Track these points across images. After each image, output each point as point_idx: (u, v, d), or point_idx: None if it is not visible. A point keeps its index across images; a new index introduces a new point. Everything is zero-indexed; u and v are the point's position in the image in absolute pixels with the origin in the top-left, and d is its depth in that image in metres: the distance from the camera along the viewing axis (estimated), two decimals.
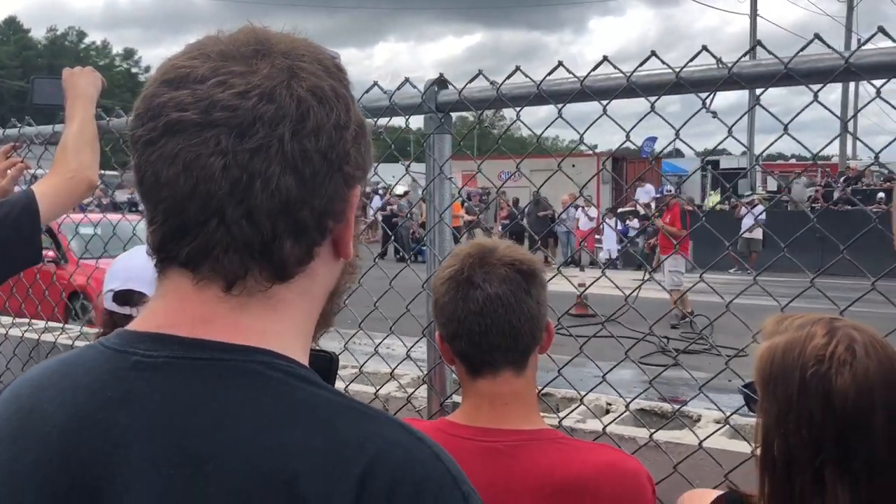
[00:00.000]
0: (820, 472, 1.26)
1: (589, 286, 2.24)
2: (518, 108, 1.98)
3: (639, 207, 20.35)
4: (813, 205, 20.47)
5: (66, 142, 2.37)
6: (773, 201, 18.57)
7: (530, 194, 18.94)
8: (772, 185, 25.01)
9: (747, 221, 16.27)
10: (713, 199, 24.11)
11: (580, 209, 19.22)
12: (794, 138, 1.65)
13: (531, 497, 1.40)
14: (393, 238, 16.12)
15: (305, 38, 0.83)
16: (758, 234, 16.76)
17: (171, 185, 0.74)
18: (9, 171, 2.70)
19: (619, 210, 19.87)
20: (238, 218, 0.74)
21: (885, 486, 1.24)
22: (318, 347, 1.42)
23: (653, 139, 26.52)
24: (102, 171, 2.60)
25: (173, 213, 0.76)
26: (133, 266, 1.84)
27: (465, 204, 20.05)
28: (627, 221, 19.41)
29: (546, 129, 2.17)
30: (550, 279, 2.02)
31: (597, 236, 19.08)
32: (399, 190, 21.52)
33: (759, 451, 1.34)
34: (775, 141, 1.67)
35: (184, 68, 0.76)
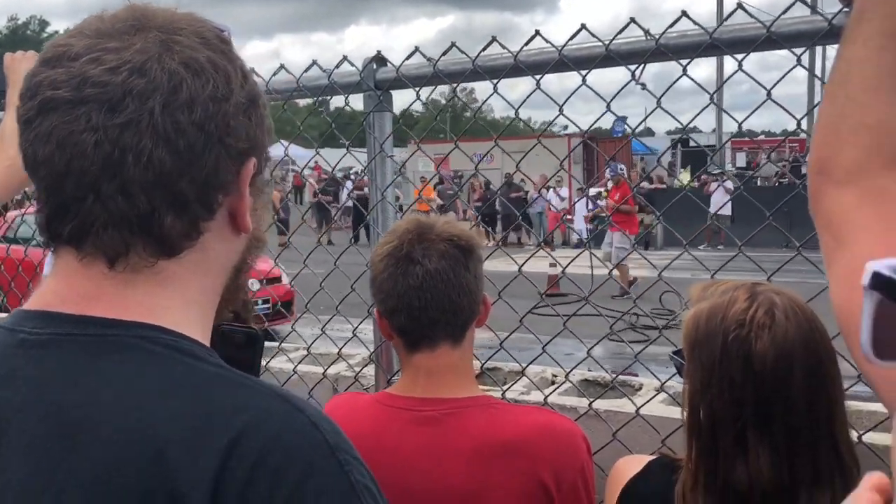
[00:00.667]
0: (742, 434, 1.29)
1: (568, 264, 2.23)
2: (495, 81, 1.96)
3: (610, 185, 20.45)
4: (781, 180, 20.72)
5: (5, 129, 2.33)
6: (745, 180, 18.75)
7: (502, 176, 18.96)
8: (741, 161, 25.23)
9: (716, 198, 16.42)
10: (683, 176, 24.30)
11: (552, 190, 19.27)
12: (777, 103, 1.66)
13: (466, 461, 1.42)
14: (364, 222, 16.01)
15: (189, 13, 0.83)
16: (726, 210, 16.93)
17: (48, 163, 0.75)
18: None
19: (591, 189, 19.94)
20: (113, 193, 0.74)
21: (804, 445, 1.27)
22: (237, 325, 1.43)
23: (623, 119, 26.64)
24: None
25: (53, 192, 0.77)
26: None
27: (437, 188, 20.09)
28: (599, 202, 19.50)
29: (520, 107, 2.16)
30: (526, 261, 2.05)
31: (568, 216, 19.14)
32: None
33: (686, 416, 1.37)
34: (759, 106, 1.68)
35: (61, 47, 0.77)
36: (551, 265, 11.36)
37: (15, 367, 0.76)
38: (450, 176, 21.79)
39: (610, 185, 13.08)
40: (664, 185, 20.31)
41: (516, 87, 1.93)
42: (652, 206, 17.44)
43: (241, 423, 0.71)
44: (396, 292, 1.46)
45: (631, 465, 1.50)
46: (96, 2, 0.87)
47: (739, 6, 1.64)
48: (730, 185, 15.55)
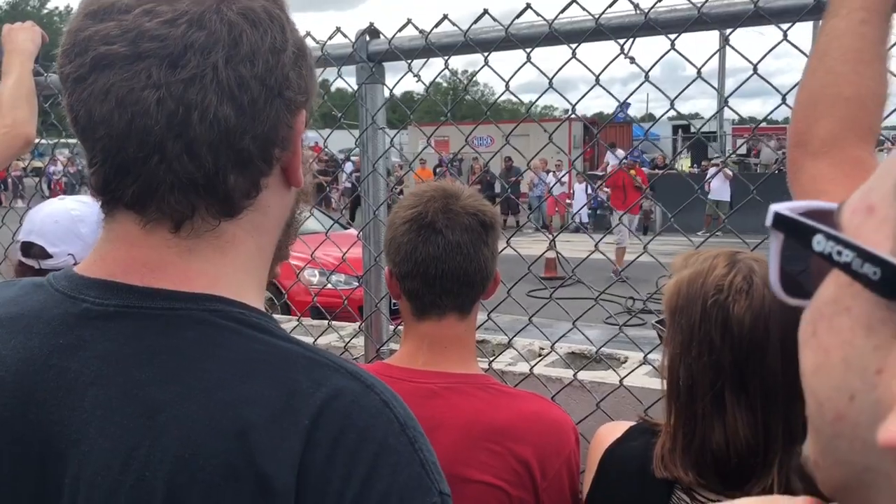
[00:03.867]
0: (720, 396, 1.32)
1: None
2: (486, 54, 1.96)
3: (611, 169, 20.45)
4: (780, 167, 20.67)
5: (2, 97, 2.34)
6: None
7: (501, 160, 18.93)
8: (742, 148, 25.17)
9: (715, 184, 16.43)
10: (684, 162, 24.26)
11: (551, 174, 19.27)
12: (762, 78, 1.67)
13: (456, 437, 1.44)
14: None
15: None
16: (725, 196, 16.94)
17: (106, 122, 0.72)
18: None
19: (590, 174, 19.95)
20: (178, 153, 0.72)
21: (779, 406, 1.30)
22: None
23: (626, 104, 26.53)
24: (40, 139, 2.57)
25: (112, 152, 0.73)
26: (35, 219, 1.86)
27: (436, 170, 20.06)
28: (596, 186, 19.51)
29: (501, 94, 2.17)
30: (509, 239, 2.06)
31: (568, 201, 19.14)
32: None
33: (666, 381, 1.40)
34: (745, 81, 1.69)
35: None
36: (549, 249, 11.40)
37: (83, 337, 0.74)
38: (447, 158, 21.75)
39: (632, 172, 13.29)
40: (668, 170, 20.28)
41: (520, 73, 1.92)
42: (652, 190, 17.54)
43: (318, 403, 0.71)
44: (415, 258, 1.47)
45: (612, 431, 1.53)
46: None
47: None
48: (729, 172, 15.55)
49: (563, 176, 19.06)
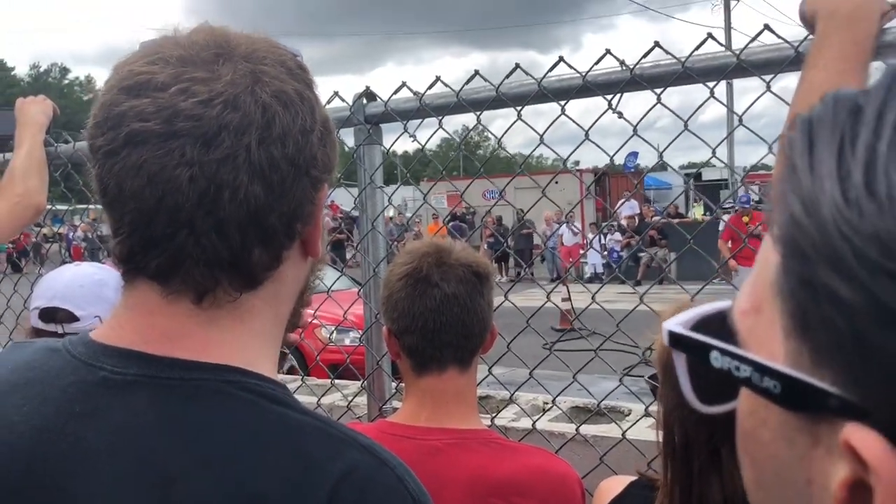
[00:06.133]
0: (716, 453, 1.30)
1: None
2: (478, 113, 2.00)
3: (622, 222, 20.47)
4: None
5: (14, 168, 2.41)
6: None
7: (514, 212, 19.01)
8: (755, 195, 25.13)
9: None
10: (697, 210, 24.26)
11: (564, 225, 19.31)
12: (694, 134, 1.71)
13: (464, 492, 1.43)
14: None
15: (266, 37, 0.81)
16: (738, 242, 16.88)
17: (137, 196, 0.72)
18: None
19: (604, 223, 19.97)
20: (207, 229, 0.73)
21: None
22: None
23: (635, 154, 26.69)
24: (51, 205, 2.63)
25: (140, 225, 0.74)
26: (57, 284, 1.87)
27: (449, 224, 20.14)
28: (609, 236, 19.52)
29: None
30: (507, 293, 2.07)
31: (581, 250, 19.14)
32: (389, 212, 21.51)
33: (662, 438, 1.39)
34: (732, 131, 1.72)
35: (143, 74, 0.74)
36: (564, 300, 11.35)
37: (98, 406, 0.74)
38: (460, 214, 21.86)
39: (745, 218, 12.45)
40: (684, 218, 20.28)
41: (535, 124, 1.95)
42: (666, 239, 17.49)
43: (334, 478, 0.71)
44: (412, 312, 1.48)
45: (612, 486, 1.51)
46: (127, 50, 0.80)
47: (710, 35, 1.69)
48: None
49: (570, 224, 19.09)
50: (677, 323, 0.46)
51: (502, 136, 1.97)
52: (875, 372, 0.35)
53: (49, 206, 2.61)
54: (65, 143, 2.71)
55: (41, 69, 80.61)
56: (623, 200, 19.96)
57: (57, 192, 2.90)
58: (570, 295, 10.98)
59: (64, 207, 3.49)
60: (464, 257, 1.51)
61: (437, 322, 1.47)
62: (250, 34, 0.81)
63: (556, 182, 2.11)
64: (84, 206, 3.34)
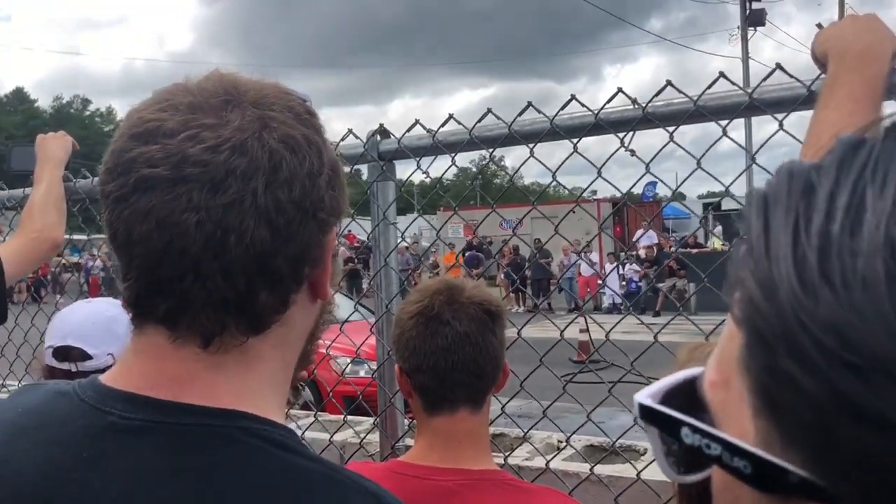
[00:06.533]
0: None
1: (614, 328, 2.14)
2: (491, 150, 1.99)
3: (640, 252, 20.39)
4: None
5: (33, 203, 2.45)
6: None
7: (531, 241, 19.01)
8: None
9: None
10: (716, 241, 24.13)
11: (581, 255, 19.26)
12: (707, 173, 1.71)
13: None
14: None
15: (275, 83, 0.82)
16: None
17: (145, 241, 0.74)
18: None
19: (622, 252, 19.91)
20: (213, 273, 0.73)
21: None
22: None
23: (653, 184, 26.68)
24: (69, 234, 2.67)
25: (148, 270, 0.75)
26: (70, 322, 1.88)
27: (465, 254, 20.19)
28: (627, 265, 19.45)
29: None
30: (521, 330, 2.06)
31: (599, 281, 19.06)
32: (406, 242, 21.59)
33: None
34: (690, 174, 1.71)
35: (153, 122, 0.75)
36: (581, 331, 11.28)
37: (106, 451, 0.74)
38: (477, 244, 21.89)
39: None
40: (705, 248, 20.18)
41: (553, 154, 1.96)
42: (685, 269, 17.39)
43: None
44: (423, 351, 1.46)
45: None
46: (148, 81, 0.92)
47: (721, 75, 1.69)
48: None
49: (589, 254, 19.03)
50: (648, 395, 0.45)
51: (514, 172, 1.97)
52: (842, 459, 0.35)
53: (67, 236, 2.64)
54: (83, 179, 2.75)
55: (63, 101, 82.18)
56: (641, 233, 19.89)
57: (75, 223, 2.93)
58: (587, 326, 10.91)
59: (82, 237, 3.53)
60: (476, 295, 1.50)
61: (449, 361, 1.45)
62: (260, 80, 0.82)
63: (574, 212, 2.11)
64: (102, 236, 3.38)
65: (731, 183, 1.76)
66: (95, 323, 1.84)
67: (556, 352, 1.93)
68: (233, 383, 0.78)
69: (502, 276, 18.40)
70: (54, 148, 2.60)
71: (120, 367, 0.81)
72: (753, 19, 29.91)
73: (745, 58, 29.68)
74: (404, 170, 2.20)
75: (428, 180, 2.32)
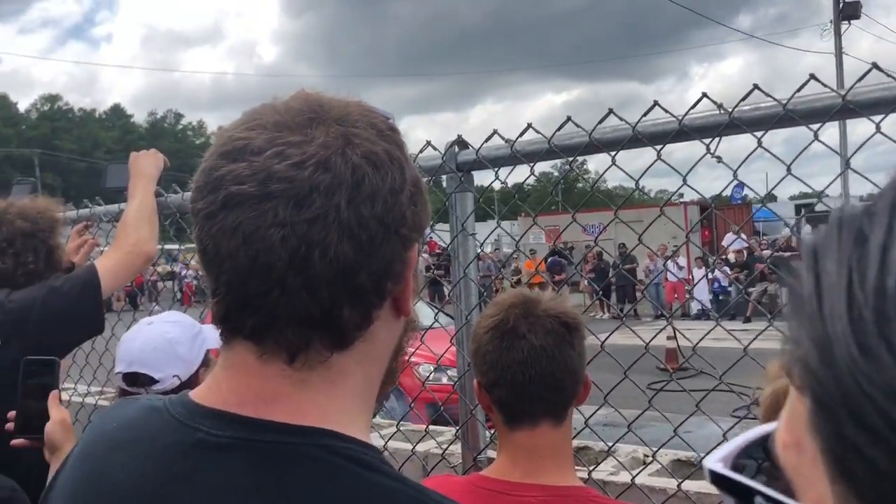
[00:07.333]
0: None
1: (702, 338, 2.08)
2: (570, 159, 1.96)
3: (730, 256, 19.79)
4: None
5: (127, 218, 2.56)
6: None
7: (615, 247, 18.72)
8: None
9: None
10: None
11: (668, 260, 18.81)
12: (798, 178, 1.63)
13: None
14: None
15: (359, 101, 0.84)
16: None
17: (233, 257, 0.75)
18: (82, 249, 2.93)
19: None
20: (298, 288, 0.74)
21: None
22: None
23: (742, 185, 25.83)
24: (161, 245, 2.77)
25: (235, 285, 0.76)
26: (133, 348, 1.95)
27: (548, 260, 20.02)
28: (717, 270, 18.88)
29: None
30: (654, 337, 2.01)
31: (687, 287, 18.58)
32: (487, 248, 21.62)
33: None
34: (780, 181, 1.64)
35: (241, 140, 0.77)
36: (669, 338, 11.00)
37: (195, 467, 0.76)
38: (560, 249, 21.69)
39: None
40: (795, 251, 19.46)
41: (640, 157, 1.92)
42: (777, 273, 16.76)
43: None
44: (500, 365, 1.46)
45: None
46: (237, 95, 0.91)
47: (812, 77, 1.61)
48: None
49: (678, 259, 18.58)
50: (719, 459, 0.43)
51: (598, 179, 1.93)
52: None
53: (160, 246, 2.73)
54: (174, 194, 2.85)
55: (157, 116, 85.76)
56: (733, 239, 19.26)
57: (166, 236, 3.04)
58: (675, 333, 10.65)
59: (175, 247, 3.68)
60: (552, 308, 1.48)
61: (526, 375, 1.44)
62: (344, 98, 0.83)
63: (660, 216, 2.05)
64: (193, 245, 3.50)
65: (824, 190, 1.68)
66: (157, 348, 1.91)
67: (642, 359, 1.88)
68: (318, 400, 0.79)
69: (586, 282, 18.16)
70: (146, 165, 2.71)
71: (210, 382, 0.83)
72: (847, 12, 28.64)
73: (839, 53, 28.46)
74: (483, 177, 2.19)
75: (509, 184, 2.30)
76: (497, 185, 2.37)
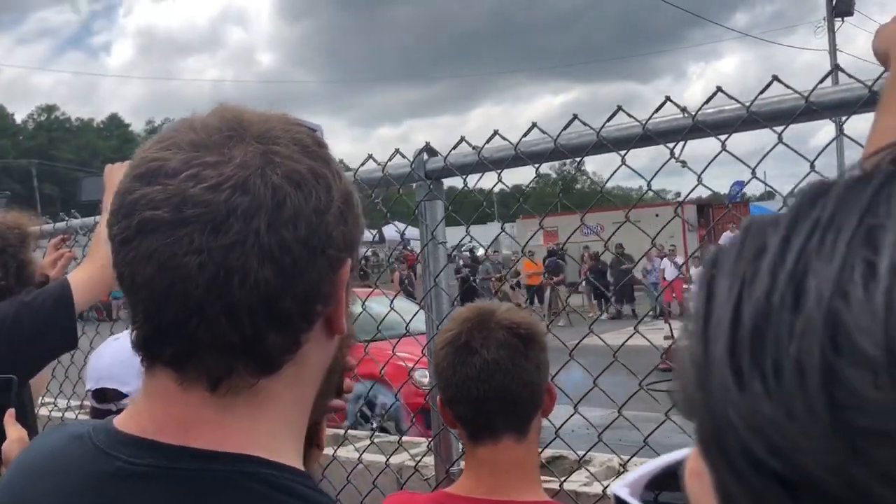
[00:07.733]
0: None
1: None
2: (537, 165, 1.94)
3: None
4: None
5: (100, 232, 2.53)
6: None
7: (612, 247, 18.67)
8: None
9: None
10: None
11: (665, 259, 18.80)
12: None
13: None
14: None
15: (282, 115, 0.80)
16: None
17: (148, 285, 0.72)
18: (59, 262, 2.90)
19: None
20: (216, 315, 0.71)
21: None
22: None
23: (741, 183, 25.83)
24: None
25: (153, 313, 0.73)
26: (100, 366, 1.92)
27: (546, 261, 19.99)
28: None
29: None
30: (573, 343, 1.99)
31: (685, 285, 18.55)
32: (480, 250, 21.65)
33: None
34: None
35: (155, 161, 0.73)
36: (666, 337, 10.97)
37: (114, 498, 0.74)
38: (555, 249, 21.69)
39: None
40: None
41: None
42: None
43: None
44: (455, 382, 1.44)
45: None
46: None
47: (775, 78, 1.59)
48: None
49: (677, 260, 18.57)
50: (625, 485, 0.40)
51: (605, 182, 1.89)
52: None
53: None
54: None
55: (155, 124, 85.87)
56: (730, 236, 19.26)
57: None
58: (672, 332, 10.62)
59: None
60: (505, 319, 1.45)
61: (481, 390, 1.41)
62: (266, 112, 0.79)
63: (657, 215, 2.02)
64: None
65: (789, 193, 1.65)
66: (123, 361, 1.88)
67: (640, 360, 1.85)
68: (243, 425, 0.76)
69: (583, 282, 18.15)
70: (120, 177, 2.67)
71: (131, 409, 0.80)
72: (841, 9, 28.64)
73: (833, 51, 28.47)
74: (483, 178, 2.14)
75: (507, 189, 2.28)
76: (498, 187, 2.36)
